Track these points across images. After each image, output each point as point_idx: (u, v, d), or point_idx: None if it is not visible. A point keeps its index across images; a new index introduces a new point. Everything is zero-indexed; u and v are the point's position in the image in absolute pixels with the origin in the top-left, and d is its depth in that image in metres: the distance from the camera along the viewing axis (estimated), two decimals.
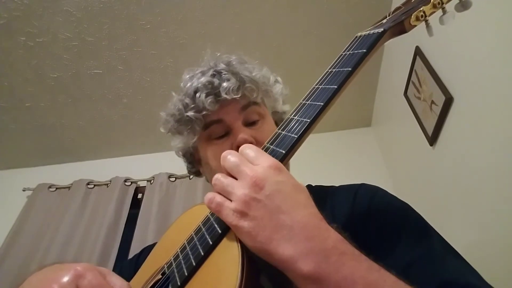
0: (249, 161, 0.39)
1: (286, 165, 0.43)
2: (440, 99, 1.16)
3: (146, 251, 0.70)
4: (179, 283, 0.40)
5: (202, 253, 0.40)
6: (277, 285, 0.41)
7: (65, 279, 0.34)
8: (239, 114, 0.61)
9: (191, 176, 1.90)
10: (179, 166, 2.00)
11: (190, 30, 1.65)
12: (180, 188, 1.90)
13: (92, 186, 1.97)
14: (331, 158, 1.93)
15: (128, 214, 1.84)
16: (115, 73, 1.78)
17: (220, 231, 0.40)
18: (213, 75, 0.62)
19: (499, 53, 0.90)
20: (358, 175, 1.85)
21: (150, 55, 1.72)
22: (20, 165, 2.18)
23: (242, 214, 0.36)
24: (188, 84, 0.64)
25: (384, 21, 0.50)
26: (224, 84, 0.59)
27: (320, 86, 0.45)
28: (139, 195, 1.97)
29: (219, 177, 0.40)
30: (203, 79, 0.62)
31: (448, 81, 1.14)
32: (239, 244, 0.37)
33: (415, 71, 1.37)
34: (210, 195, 0.40)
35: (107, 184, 1.96)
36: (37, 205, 1.89)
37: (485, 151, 0.97)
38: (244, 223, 0.36)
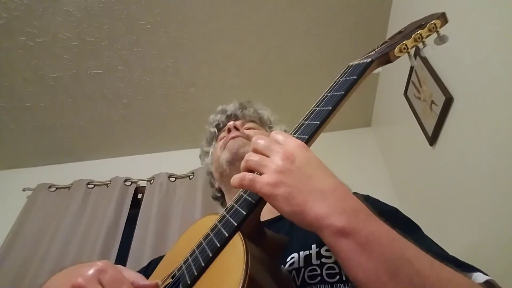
0: (278, 142, 0.44)
1: None
2: (440, 99, 1.16)
3: (153, 264, 0.74)
4: (189, 282, 0.43)
5: (211, 255, 0.43)
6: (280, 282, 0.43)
7: (89, 272, 0.38)
8: (239, 124, 0.85)
9: (191, 176, 1.93)
10: (179, 166, 2.02)
11: (190, 30, 1.65)
12: (180, 188, 1.90)
13: (92, 186, 1.97)
14: (331, 158, 1.92)
15: (128, 214, 1.84)
16: (115, 73, 1.78)
17: (227, 235, 0.43)
18: (225, 105, 0.96)
19: (499, 53, 0.90)
20: (358, 175, 1.86)
21: (150, 55, 1.72)
22: (20, 165, 2.18)
23: (277, 183, 0.39)
24: (212, 115, 0.97)
25: (373, 52, 0.58)
26: (230, 106, 0.92)
27: (317, 108, 0.51)
28: (139, 195, 1.96)
29: (252, 155, 0.44)
30: (219, 108, 0.95)
31: (448, 81, 1.14)
32: (244, 245, 0.40)
33: (415, 71, 1.37)
34: (239, 174, 0.43)
35: (107, 184, 1.96)
36: (37, 205, 1.89)
37: (485, 151, 0.97)
38: (279, 190, 0.39)
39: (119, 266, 0.41)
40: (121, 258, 1.67)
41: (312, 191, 0.39)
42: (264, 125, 0.93)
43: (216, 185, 0.90)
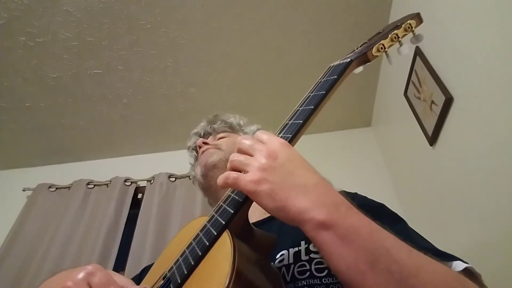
0: (262, 142, 0.45)
1: None
2: (440, 99, 1.16)
3: (146, 270, 0.75)
4: (179, 281, 0.44)
5: (200, 253, 0.44)
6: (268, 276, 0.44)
7: (78, 276, 0.39)
8: (210, 139, 0.92)
9: (191, 176, 1.93)
10: (179, 166, 2.02)
11: (190, 30, 1.65)
12: (180, 188, 1.90)
13: (92, 186, 1.97)
14: (331, 158, 1.93)
15: (128, 214, 1.84)
16: (115, 73, 1.78)
17: (215, 233, 0.44)
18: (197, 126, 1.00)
19: (499, 53, 0.90)
20: (358, 175, 1.86)
21: (150, 55, 1.72)
22: (20, 165, 2.18)
23: (260, 180, 0.41)
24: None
25: (352, 53, 0.60)
26: (201, 124, 0.98)
27: (300, 108, 0.52)
28: (139, 195, 1.96)
29: (236, 155, 0.46)
30: (194, 131, 1.01)
31: (448, 81, 1.14)
32: (231, 241, 0.41)
33: (415, 71, 1.37)
34: (224, 174, 0.44)
35: (107, 184, 1.96)
36: (37, 205, 1.89)
37: (485, 151, 0.97)
38: (262, 187, 0.40)
39: (111, 272, 0.43)
40: (121, 258, 1.67)
41: (294, 186, 0.40)
42: (236, 131, 0.96)
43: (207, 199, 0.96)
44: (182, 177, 1.95)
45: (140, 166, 2.08)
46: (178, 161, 2.09)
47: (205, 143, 0.85)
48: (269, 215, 0.68)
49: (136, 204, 1.91)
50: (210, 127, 0.95)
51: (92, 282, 0.39)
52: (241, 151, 0.46)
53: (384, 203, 0.64)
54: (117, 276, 0.42)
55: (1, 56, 1.65)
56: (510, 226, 0.88)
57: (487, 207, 0.97)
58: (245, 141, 0.46)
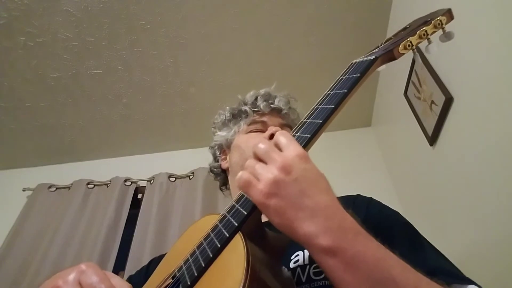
0: (280, 147, 0.44)
1: None
2: (440, 99, 1.16)
3: (154, 262, 0.73)
4: (189, 283, 0.43)
5: (211, 255, 0.43)
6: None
7: (69, 276, 0.39)
8: (278, 124, 0.77)
9: (191, 176, 1.93)
10: (179, 166, 2.02)
11: (190, 30, 1.65)
12: (180, 188, 1.90)
13: (92, 186, 1.97)
14: (331, 158, 1.92)
15: (128, 214, 1.84)
16: (115, 73, 1.78)
17: (227, 235, 0.43)
18: (272, 91, 0.85)
19: (499, 53, 0.90)
20: (358, 175, 1.86)
21: (150, 55, 1.72)
22: (20, 165, 2.18)
23: (270, 193, 0.39)
24: (252, 92, 0.85)
25: (376, 50, 0.56)
26: (278, 98, 0.82)
27: (319, 106, 0.49)
28: (139, 195, 1.96)
29: (250, 161, 0.44)
30: (264, 91, 0.84)
31: (448, 81, 1.14)
32: (245, 245, 0.40)
33: (415, 71, 1.37)
34: (241, 174, 0.43)
35: (107, 184, 1.96)
36: (37, 205, 1.89)
37: (485, 151, 0.97)
38: (271, 202, 0.39)
39: (108, 273, 0.41)
40: (121, 258, 1.67)
41: (302, 207, 0.39)
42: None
43: (224, 163, 0.85)
44: (182, 177, 1.95)
45: (140, 166, 2.08)
46: (178, 161, 2.10)
47: None
48: None
49: (136, 204, 1.90)
50: (286, 112, 0.81)
51: (83, 281, 0.38)
52: (256, 157, 0.44)
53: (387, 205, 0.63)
54: (114, 279, 0.40)
55: (1, 56, 1.65)
56: (510, 225, 0.88)
57: (487, 207, 0.97)
58: (261, 146, 0.44)
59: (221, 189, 0.89)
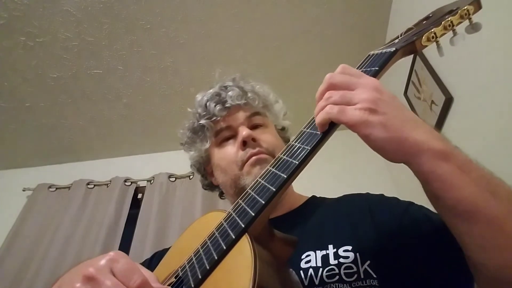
0: (354, 76, 0.44)
1: (289, 187, 0.47)
2: (440, 99, 1.16)
3: (157, 256, 0.72)
4: (192, 286, 0.42)
5: (216, 257, 0.41)
6: None
7: (100, 262, 0.37)
8: (245, 121, 0.70)
9: (191, 176, 1.93)
10: (179, 166, 2.02)
11: (190, 30, 1.65)
12: (180, 188, 1.90)
13: (92, 186, 1.97)
14: (332, 158, 1.93)
15: (128, 214, 1.84)
16: (115, 73, 1.78)
17: (234, 237, 0.41)
18: (220, 89, 0.73)
19: (499, 53, 0.90)
20: (359, 175, 1.86)
21: (150, 55, 1.72)
22: (20, 165, 2.18)
23: (371, 110, 0.40)
24: (200, 98, 0.76)
25: (396, 41, 0.51)
26: (230, 93, 0.70)
27: None
28: (139, 195, 1.97)
29: (332, 93, 0.43)
30: (212, 91, 0.74)
31: (448, 81, 1.14)
32: (252, 249, 0.38)
33: (415, 71, 1.37)
34: (325, 110, 0.42)
35: (107, 184, 1.96)
36: (37, 205, 1.89)
37: (485, 151, 0.97)
38: (375, 117, 0.39)
39: (136, 263, 0.40)
40: None
41: (406, 119, 0.41)
42: (272, 115, 0.76)
43: (214, 180, 0.78)
44: (182, 177, 1.95)
45: (140, 166, 2.08)
46: (178, 161, 2.07)
47: (254, 140, 0.65)
48: (288, 211, 0.67)
49: (136, 204, 1.91)
50: (244, 101, 0.70)
51: (115, 268, 0.36)
52: (335, 87, 0.43)
53: None
54: (143, 269, 0.40)
55: (1, 56, 1.65)
56: None
57: None
58: (337, 77, 0.44)
59: (221, 198, 0.85)
